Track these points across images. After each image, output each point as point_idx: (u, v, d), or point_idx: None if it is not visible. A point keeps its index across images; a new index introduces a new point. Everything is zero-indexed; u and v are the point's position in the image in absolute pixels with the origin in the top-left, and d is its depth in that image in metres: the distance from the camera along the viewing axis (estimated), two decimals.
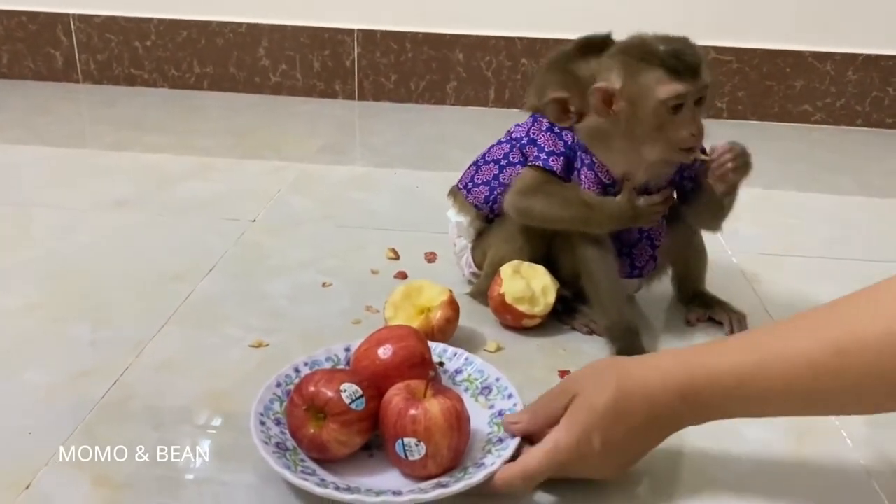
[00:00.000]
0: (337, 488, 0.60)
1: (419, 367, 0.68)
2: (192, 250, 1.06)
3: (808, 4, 1.71)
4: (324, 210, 1.22)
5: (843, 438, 0.72)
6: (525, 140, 0.86)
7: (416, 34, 1.80)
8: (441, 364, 0.75)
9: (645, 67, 0.75)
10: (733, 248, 1.09)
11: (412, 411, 0.62)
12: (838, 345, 0.55)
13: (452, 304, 0.83)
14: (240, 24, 1.83)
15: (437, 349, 0.75)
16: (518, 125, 0.89)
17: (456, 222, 0.94)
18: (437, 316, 0.82)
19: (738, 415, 0.63)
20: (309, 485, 0.60)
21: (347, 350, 0.75)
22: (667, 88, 0.74)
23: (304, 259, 1.04)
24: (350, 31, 1.81)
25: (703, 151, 0.79)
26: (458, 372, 0.75)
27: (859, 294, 0.57)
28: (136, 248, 1.07)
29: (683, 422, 0.63)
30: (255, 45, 1.85)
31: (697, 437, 0.71)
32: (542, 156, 0.84)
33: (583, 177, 0.83)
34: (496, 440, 0.66)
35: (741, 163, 0.79)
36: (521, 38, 1.78)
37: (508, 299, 0.85)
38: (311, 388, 0.63)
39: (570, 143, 0.84)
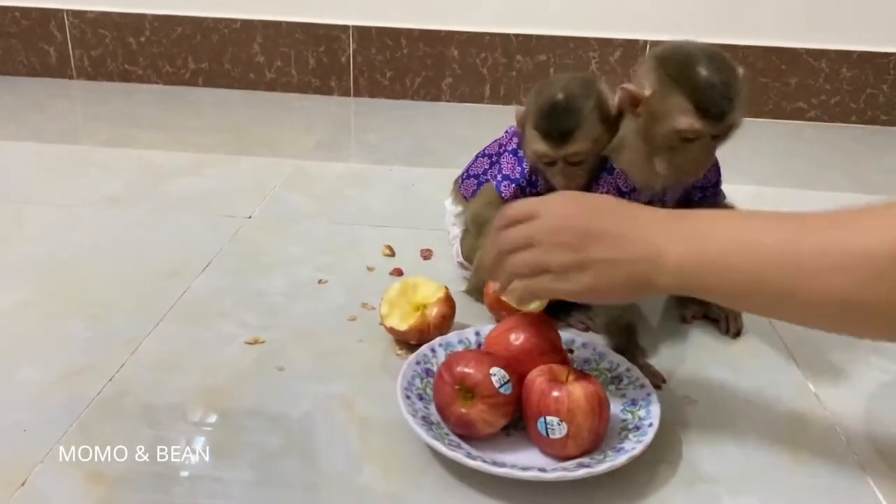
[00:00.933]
0: (485, 462, 0.63)
1: (549, 354, 0.71)
2: (187, 247, 1.05)
3: (802, 1, 1.71)
4: (319, 207, 1.22)
5: (838, 434, 0.73)
6: (502, 150, 0.89)
7: (411, 31, 1.80)
8: (571, 352, 0.77)
9: (675, 90, 0.72)
10: None
11: (555, 392, 0.64)
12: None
13: (448, 301, 0.83)
14: (234, 21, 1.83)
15: (565, 339, 0.77)
16: (508, 130, 0.91)
17: (450, 211, 0.97)
18: (433, 313, 0.82)
19: (721, 289, 0.61)
20: (459, 456, 0.63)
21: (478, 334, 0.79)
22: (685, 121, 0.72)
23: (300, 256, 1.04)
24: (345, 28, 1.81)
25: None
26: (586, 362, 0.77)
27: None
28: (131, 245, 1.07)
29: (662, 252, 0.60)
30: (250, 42, 1.84)
31: (691, 433, 0.72)
32: (499, 177, 0.87)
33: (601, 181, 0.82)
34: (633, 427, 0.68)
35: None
36: (516, 35, 1.78)
37: (503, 296, 0.85)
38: (462, 369, 0.66)
39: (525, 171, 0.85)
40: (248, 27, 1.83)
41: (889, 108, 1.75)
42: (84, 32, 1.87)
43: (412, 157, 1.48)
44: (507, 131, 0.91)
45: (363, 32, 1.81)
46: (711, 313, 0.90)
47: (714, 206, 0.85)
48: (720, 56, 0.73)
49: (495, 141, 0.93)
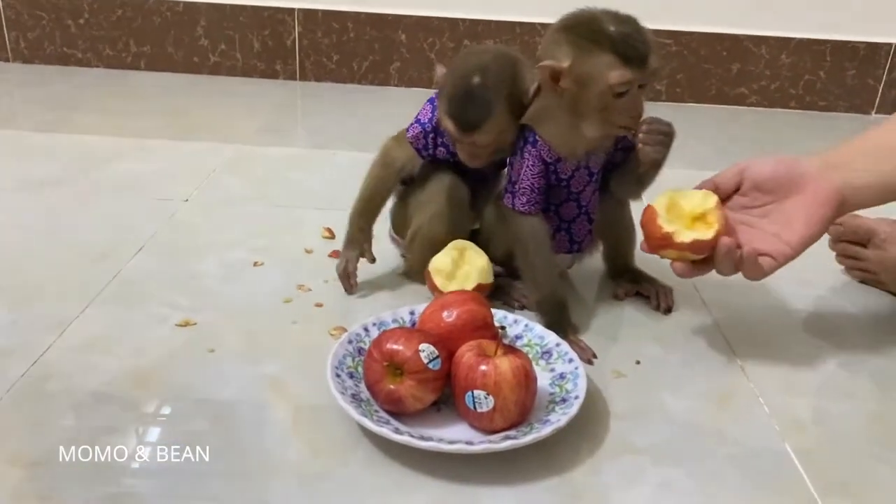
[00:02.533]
0: (412, 436, 0.64)
1: (482, 330, 0.72)
2: (120, 230, 1.03)
3: None
4: (260, 190, 1.20)
5: (761, 405, 0.75)
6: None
7: (357, 14, 1.78)
8: (503, 328, 0.77)
9: (596, 50, 0.74)
10: None
11: (483, 367, 0.65)
12: None
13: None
14: (177, 3, 1.79)
15: (497, 315, 0.78)
16: None
17: None
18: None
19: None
20: (386, 431, 0.63)
21: (412, 313, 0.79)
22: (616, 74, 0.74)
23: (236, 238, 1.03)
24: (290, 11, 1.79)
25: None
26: (518, 337, 0.78)
27: None
28: (63, 228, 1.04)
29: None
30: (193, 25, 1.81)
31: (619, 406, 0.73)
32: (413, 121, 0.89)
33: (526, 154, 0.83)
34: (559, 400, 0.69)
35: (655, 138, 0.78)
36: (463, 20, 1.77)
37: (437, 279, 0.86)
38: (391, 346, 0.67)
39: (433, 119, 0.86)
40: (192, 10, 1.79)
41: (826, 93, 1.80)
42: (20, 14, 1.81)
43: (358, 142, 1.46)
44: None
45: (309, 15, 1.79)
46: (644, 290, 0.92)
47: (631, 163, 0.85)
48: (616, 11, 0.76)
49: None
